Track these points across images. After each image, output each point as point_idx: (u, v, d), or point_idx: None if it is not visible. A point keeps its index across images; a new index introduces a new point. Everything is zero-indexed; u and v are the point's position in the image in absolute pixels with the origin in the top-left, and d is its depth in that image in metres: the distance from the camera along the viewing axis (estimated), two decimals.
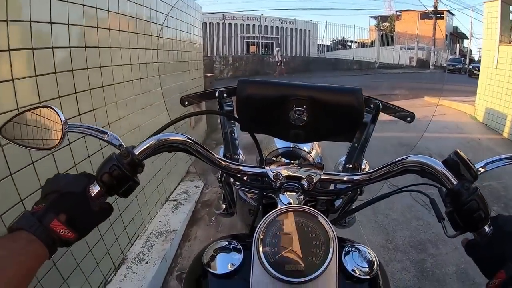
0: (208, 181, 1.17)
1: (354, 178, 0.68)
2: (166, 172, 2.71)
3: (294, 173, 0.67)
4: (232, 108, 0.82)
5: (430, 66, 20.20)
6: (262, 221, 0.56)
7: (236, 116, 0.72)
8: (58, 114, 0.59)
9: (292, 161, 0.87)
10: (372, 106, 0.75)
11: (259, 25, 19.41)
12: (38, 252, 0.48)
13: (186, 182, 3.19)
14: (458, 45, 30.02)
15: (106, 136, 0.62)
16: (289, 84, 0.68)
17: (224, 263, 0.59)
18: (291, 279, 0.51)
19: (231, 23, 19.21)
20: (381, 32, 22.48)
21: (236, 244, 0.62)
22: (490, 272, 0.51)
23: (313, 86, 0.67)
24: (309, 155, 1.03)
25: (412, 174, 0.63)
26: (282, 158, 0.99)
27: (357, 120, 0.67)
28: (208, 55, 15.87)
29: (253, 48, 19.76)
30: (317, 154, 1.06)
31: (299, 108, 0.66)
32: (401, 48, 21.70)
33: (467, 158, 0.58)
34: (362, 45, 24.29)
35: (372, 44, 22.59)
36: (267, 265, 0.52)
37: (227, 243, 0.63)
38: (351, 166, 0.86)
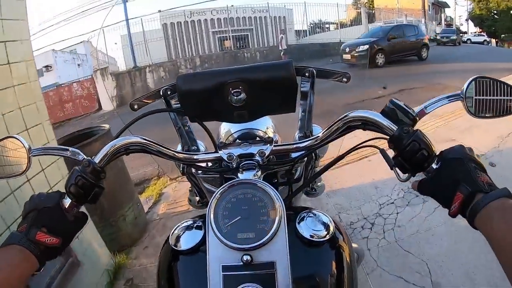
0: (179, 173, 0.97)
1: (303, 145, 0.71)
2: None
3: (245, 151, 0.72)
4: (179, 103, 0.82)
5: None
6: (213, 196, 0.60)
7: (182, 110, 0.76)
8: (22, 142, 0.66)
9: (243, 141, 0.82)
10: (307, 74, 0.79)
11: (230, 17, 17.91)
12: (28, 260, 0.56)
13: None
14: (441, 15, 28.90)
15: (68, 152, 0.67)
16: (222, 70, 0.71)
17: (188, 241, 0.63)
18: (243, 246, 0.54)
19: (200, 20, 17.73)
20: (365, 9, 20.89)
21: (199, 222, 0.67)
22: (448, 201, 0.55)
23: (244, 67, 0.71)
24: (264, 134, 1.04)
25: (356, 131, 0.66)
26: (239, 141, 0.94)
27: (292, 90, 0.70)
28: (173, 58, 14.55)
29: (227, 43, 18.07)
30: (273, 132, 1.07)
31: (236, 90, 0.69)
32: (385, 24, 20.29)
33: (404, 104, 0.61)
34: (341, 25, 22.93)
35: (352, 23, 21.16)
36: (219, 234, 0.55)
37: (191, 222, 0.67)
38: (302, 134, 0.89)
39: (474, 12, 28.18)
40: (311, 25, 21.22)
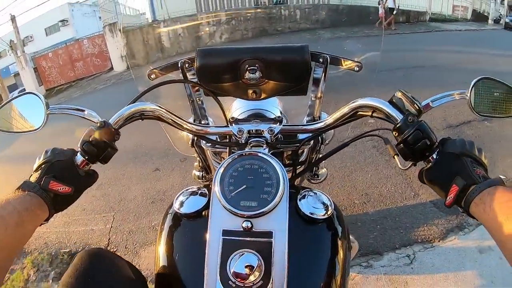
0: (181, 150, 1.12)
1: (311, 127, 0.75)
2: None
3: (255, 127, 0.75)
4: (195, 76, 0.85)
5: (489, 21, 15.13)
6: (221, 164, 0.63)
7: (199, 82, 0.78)
8: (40, 99, 0.68)
9: (254, 119, 0.84)
10: (321, 60, 0.78)
11: None
12: (40, 208, 0.58)
13: None
14: None
15: (85, 113, 0.70)
16: (241, 48, 0.73)
17: (191, 205, 0.67)
18: (245, 213, 0.57)
19: None
20: None
21: (204, 189, 0.70)
22: (444, 191, 0.58)
23: (262, 47, 0.73)
24: (273, 115, 1.05)
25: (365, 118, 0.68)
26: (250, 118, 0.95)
27: (305, 73, 0.74)
28: (202, 11, 12.43)
29: None
30: (281, 114, 1.08)
31: (252, 68, 0.71)
32: None
33: (411, 95, 0.63)
34: None
35: None
36: (223, 200, 0.58)
37: (196, 189, 0.71)
38: (311, 118, 0.91)
39: None
40: None
